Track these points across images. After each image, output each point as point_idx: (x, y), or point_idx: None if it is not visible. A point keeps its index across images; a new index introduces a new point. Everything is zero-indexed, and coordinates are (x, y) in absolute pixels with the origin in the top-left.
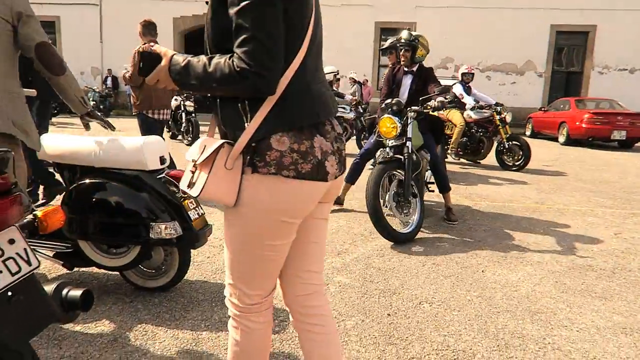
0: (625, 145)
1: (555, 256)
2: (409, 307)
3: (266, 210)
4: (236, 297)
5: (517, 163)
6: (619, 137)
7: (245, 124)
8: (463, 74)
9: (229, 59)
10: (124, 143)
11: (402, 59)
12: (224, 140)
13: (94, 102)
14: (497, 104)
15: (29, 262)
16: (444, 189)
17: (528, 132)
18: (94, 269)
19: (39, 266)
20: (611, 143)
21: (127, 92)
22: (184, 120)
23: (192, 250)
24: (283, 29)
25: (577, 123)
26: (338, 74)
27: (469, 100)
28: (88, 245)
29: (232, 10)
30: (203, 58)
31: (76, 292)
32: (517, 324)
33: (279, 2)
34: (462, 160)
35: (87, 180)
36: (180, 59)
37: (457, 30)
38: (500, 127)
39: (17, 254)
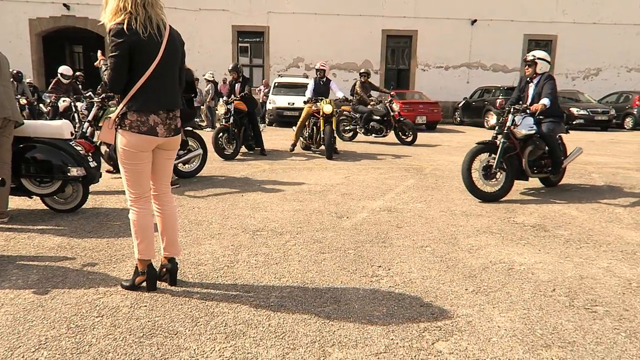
0: (430, 128)
1: (295, 186)
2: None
3: (125, 146)
4: (127, 194)
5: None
6: (421, 121)
7: (119, 107)
8: (316, 70)
9: (105, 76)
10: (51, 123)
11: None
12: (108, 116)
13: None
14: (345, 99)
15: None
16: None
17: None
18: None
19: None
20: (421, 126)
21: None
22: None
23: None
24: (126, 68)
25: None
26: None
27: (308, 95)
28: (28, 181)
29: (109, 56)
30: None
31: None
32: (240, 214)
33: (123, 59)
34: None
35: (29, 144)
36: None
37: (306, 33)
38: (321, 118)
39: None
